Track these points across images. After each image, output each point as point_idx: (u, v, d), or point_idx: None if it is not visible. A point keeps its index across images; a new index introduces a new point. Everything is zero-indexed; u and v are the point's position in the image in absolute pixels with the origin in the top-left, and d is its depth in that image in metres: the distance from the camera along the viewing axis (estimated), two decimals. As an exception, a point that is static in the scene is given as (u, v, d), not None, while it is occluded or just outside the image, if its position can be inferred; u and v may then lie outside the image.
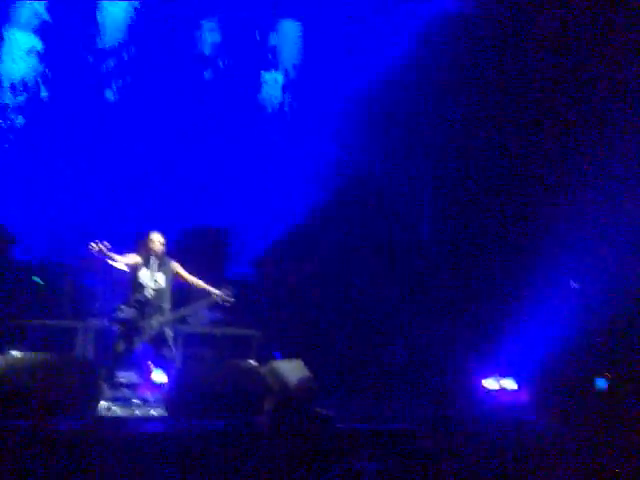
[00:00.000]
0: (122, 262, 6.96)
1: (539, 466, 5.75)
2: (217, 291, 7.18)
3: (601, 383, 6.86)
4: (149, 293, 6.95)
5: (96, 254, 6.59)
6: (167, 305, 7.08)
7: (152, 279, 7.00)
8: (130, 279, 7.10)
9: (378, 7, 10.83)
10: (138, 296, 6.97)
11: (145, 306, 6.93)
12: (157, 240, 7.08)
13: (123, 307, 6.95)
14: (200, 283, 7.22)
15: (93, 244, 6.54)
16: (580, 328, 7.56)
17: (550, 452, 5.99)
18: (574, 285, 7.76)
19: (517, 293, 8.43)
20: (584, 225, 8.18)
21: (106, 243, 6.60)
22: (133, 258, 7.04)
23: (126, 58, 10.47)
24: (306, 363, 6.88)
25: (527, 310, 8.01)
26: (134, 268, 7.04)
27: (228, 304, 7.25)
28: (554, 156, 9.13)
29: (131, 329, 6.88)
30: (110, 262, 6.86)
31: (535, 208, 9.01)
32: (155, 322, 6.95)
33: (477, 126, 10.12)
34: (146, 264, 7.04)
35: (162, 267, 7.09)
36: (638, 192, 8.27)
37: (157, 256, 7.04)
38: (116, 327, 6.96)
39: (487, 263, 9.09)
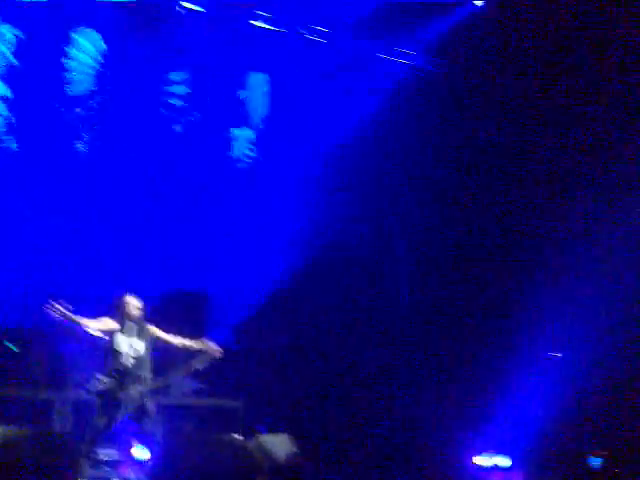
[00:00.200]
0: (93, 327, 6.58)
1: None
2: (203, 345, 6.83)
3: (595, 462, 6.86)
4: (128, 361, 6.56)
5: (57, 316, 6.19)
6: (147, 374, 6.69)
7: (130, 346, 6.61)
8: (106, 347, 6.71)
9: (348, 64, 10.95)
10: (116, 365, 6.57)
11: (124, 375, 6.53)
12: (133, 304, 6.73)
13: (101, 377, 6.54)
14: (184, 341, 6.86)
15: (50, 305, 6.15)
16: (568, 401, 7.59)
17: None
18: (555, 356, 7.84)
19: (503, 365, 8.43)
20: (566, 295, 8.31)
21: (66, 305, 6.22)
22: (106, 323, 6.65)
23: (95, 106, 10.16)
24: (295, 437, 6.61)
25: (516, 384, 8.00)
26: (110, 334, 6.66)
27: (215, 360, 6.88)
28: (530, 224, 9.31)
29: (110, 401, 6.46)
30: (83, 327, 6.48)
31: (514, 278, 9.11)
32: (135, 393, 6.56)
33: (449, 184, 10.25)
34: (122, 330, 6.67)
35: (140, 333, 6.72)
36: (615, 264, 8.49)
37: (134, 321, 6.68)
38: (94, 399, 6.52)
39: (473, 334, 9.07)
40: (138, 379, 6.56)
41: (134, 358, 6.56)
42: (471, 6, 10.73)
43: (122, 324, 6.63)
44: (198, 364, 6.83)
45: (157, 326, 6.93)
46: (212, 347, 6.82)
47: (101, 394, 6.41)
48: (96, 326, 6.57)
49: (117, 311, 6.73)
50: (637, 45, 9.16)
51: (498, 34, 10.56)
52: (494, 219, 9.63)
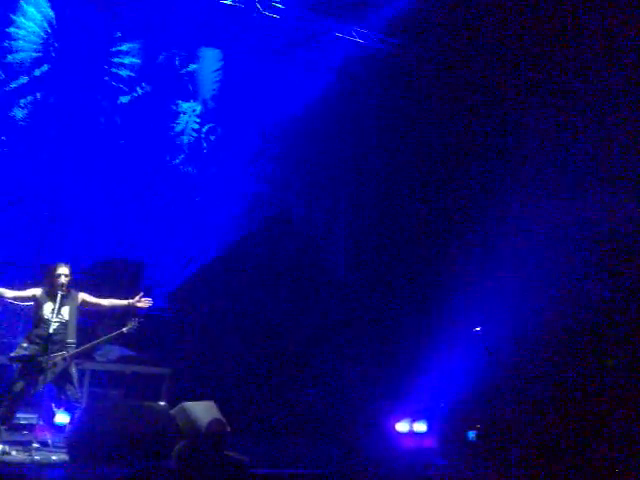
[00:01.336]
0: (12, 295, 6.57)
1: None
2: (131, 303, 6.86)
3: (471, 435, 7.24)
4: (52, 328, 6.55)
5: None
6: (72, 340, 6.70)
7: (56, 313, 6.62)
8: (33, 314, 6.71)
9: (299, 40, 10.93)
10: (40, 331, 6.56)
11: (48, 342, 6.52)
12: (63, 273, 6.73)
13: (24, 343, 6.53)
14: (112, 301, 6.88)
15: None
16: (485, 373, 7.82)
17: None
18: (478, 330, 8.04)
19: (428, 337, 8.62)
20: (489, 272, 8.51)
21: None
22: (29, 292, 6.66)
23: (38, 74, 10.04)
24: (217, 404, 6.69)
25: (437, 354, 8.20)
26: (35, 301, 6.66)
27: (134, 330, 6.90)
28: (465, 199, 9.48)
29: (32, 367, 6.46)
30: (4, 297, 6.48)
31: (444, 252, 9.29)
32: (59, 359, 6.57)
33: (394, 162, 10.36)
34: (50, 297, 6.66)
35: (67, 300, 6.72)
36: (539, 238, 8.70)
37: (62, 289, 6.68)
38: (15, 365, 6.51)
39: (398, 306, 9.25)
40: (62, 345, 6.57)
41: (58, 324, 6.56)
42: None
43: (50, 292, 6.63)
44: (125, 329, 6.83)
45: (90, 292, 6.93)
46: (141, 303, 6.83)
47: (22, 359, 6.41)
48: (17, 295, 6.55)
49: (47, 279, 6.72)
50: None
51: (450, 17, 10.61)
52: (428, 201, 9.78)
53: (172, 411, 6.69)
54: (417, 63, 11.05)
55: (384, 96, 11.20)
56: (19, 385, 6.42)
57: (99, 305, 6.92)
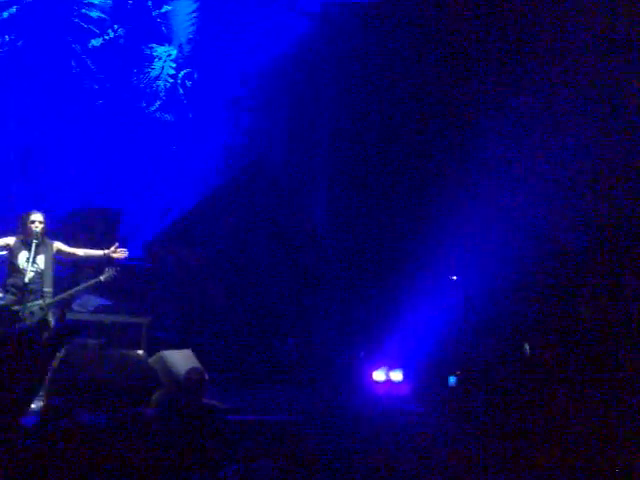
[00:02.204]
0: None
1: (419, 452, 6.04)
2: (106, 251, 6.83)
3: (451, 380, 7.41)
4: (27, 277, 6.50)
5: None
6: (48, 289, 6.65)
7: (31, 262, 6.56)
8: (7, 263, 6.65)
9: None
10: (15, 280, 6.51)
11: (24, 291, 6.48)
12: (36, 220, 6.64)
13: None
14: (88, 251, 6.83)
15: None
16: (460, 321, 7.95)
17: (428, 438, 6.31)
18: (454, 278, 8.13)
19: (404, 286, 8.70)
20: (467, 220, 8.55)
21: None
22: (2, 241, 6.57)
23: (6, 16, 9.69)
24: (196, 352, 6.75)
25: (413, 303, 8.30)
26: (10, 251, 6.59)
27: (111, 279, 6.90)
28: (441, 148, 9.44)
29: (8, 316, 6.43)
30: None
31: (423, 203, 9.30)
32: (35, 308, 6.54)
33: (373, 117, 10.23)
34: (25, 246, 6.59)
35: (42, 248, 6.66)
36: (516, 188, 8.73)
37: (36, 237, 6.60)
38: None
39: (376, 254, 9.29)
40: (39, 294, 6.53)
41: (34, 273, 6.50)
42: None
43: (25, 241, 6.55)
44: (102, 278, 6.80)
45: (66, 242, 6.87)
46: (117, 253, 6.79)
47: None
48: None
49: (21, 228, 6.64)
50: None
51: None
52: (408, 144, 9.72)
53: (150, 360, 6.73)
54: (399, 6, 10.80)
55: (365, 40, 10.97)
56: None
57: (74, 255, 6.86)
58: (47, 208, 7.36)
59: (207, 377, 6.46)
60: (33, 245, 6.53)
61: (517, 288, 8.06)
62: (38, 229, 6.59)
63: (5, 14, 9.66)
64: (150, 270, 9.00)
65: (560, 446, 6.11)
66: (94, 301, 8.02)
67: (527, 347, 7.47)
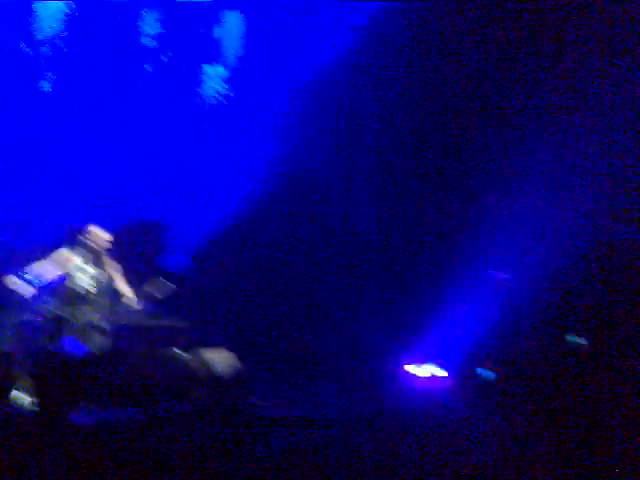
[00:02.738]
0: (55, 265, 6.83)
1: (464, 453, 5.85)
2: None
3: (489, 375, 7.15)
4: (81, 286, 6.84)
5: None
6: (100, 299, 6.99)
7: (83, 271, 6.88)
8: (63, 272, 6.96)
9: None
10: (69, 288, 6.84)
11: (75, 298, 6.81)
12: (96, 234, 6.98)
13: (51, 299, 6.83)
14: (126, 290, 7.09)
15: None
16: (504, 316, 7.72)
17: (475, 438, 6.11)
18: (498, 274, 7.92)
19: (446, 281, 8.54)
20: (510, 215, 8.34)
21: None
22: (62, 255, 6.92)
23: (63, 47, 10.28)
24: (235, 351, 6.85)
25: (456, 297, 8.13)
26: (66, 260, 6.93)
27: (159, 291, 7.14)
28: (483, 148, 9.30)
29: (59, 322, 6.75)
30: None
31: (462, 198, 9.17)
32: (85, 315, 6.86)
33: (415, 120, 10.21)
34: (82, 257, 6.93)
35: (96, 261, 6.98)
36: (561, 184, 8.46)
37: (93, 250, 6.94)
38: (42, 319, 6.83)
39: (416, 252, 9.21)
40: (90, 302, 6.84)
41: (88, 283, 6.81)
42: None
43: (80, 252, 6.87)
44: (149, 288, 7.07)
45: (115, 254, 7.15)
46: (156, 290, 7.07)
47: (50, 315, 6.69)
48: (52, 266, 6.79)
49: (79, 238, 6.96)
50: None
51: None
52: (446, 147, 9.64)
53: (190, 358, 6.88)
54: (451, 17, 10.79)
55: (408, 50, 11.02)
56: (49, 339, 6.73)
57: (113, 280, 7.10)
58: (96, 220, 7.66)
59: (246, 375, 6.56)
60: (91, 257, 6.85)
61: (564, 281, 7.78)
62: (98, 244, 6.91)
63: (63, 45, 10.25)
64: (194, 275, 9.23)
65: (612, 448, 5.80)
66: (137, 305, 8.27)
67: (578, 340, 7.17)
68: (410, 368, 7.43)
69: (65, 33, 10.24)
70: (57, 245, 7.16)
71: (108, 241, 7.08)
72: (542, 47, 9.36)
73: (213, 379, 6.68)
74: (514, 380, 6.99)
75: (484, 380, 7.17)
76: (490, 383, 7.14)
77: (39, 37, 10.11)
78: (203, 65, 10.99)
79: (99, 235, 6.97)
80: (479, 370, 7.20)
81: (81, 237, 6.93)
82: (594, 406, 6.42)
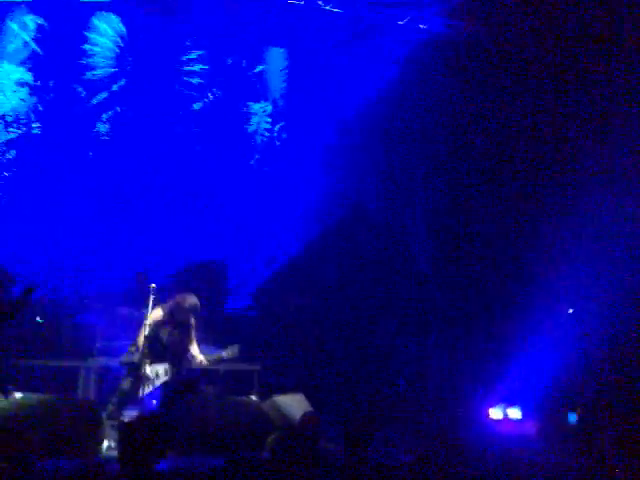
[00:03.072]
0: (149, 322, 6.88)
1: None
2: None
3: (572, 417, 6.99)
4: (163, 345, 6.89)
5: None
6: (177, 357, 7.02)
7: (170, 333, 6.95)
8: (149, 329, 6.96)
9: (362, 32, 10.92)
10: (151, 342, 6.86)
11: (155, 352, 6.85)
12: (187, 301, 7.03)
13: (133, 349, 6.88)
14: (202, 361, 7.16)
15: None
16: (579, 356, 7.60)
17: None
18: (570, 311, 7.82)
19: (517, 321, 8.45)
20: (581, 253, 8.25)
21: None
22: (158, 313, 6.97)
23: (116, 89, 10.42)
24: (308, 396, 6.82)
25: (529, 338, 8.03)
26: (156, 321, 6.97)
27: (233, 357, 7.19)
28: (549, 183, 9.24)
29: (139, 371, 6.76)
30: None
31: (531, 237, 9.08)
32: (165, 371, 6.90)
33: (472, 151, 10.20)
34: (170, 322, 6.99)
35: (181, 322, 7.02)
36: (631, 223, 8.37)
37: (180, 314, 6.99)
38: (125, 367, 6.88)
39: (485, 291, 9.11)
40: (170, 359, 6.89)
41: (170, 342, 6.86)
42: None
43: (169, 316, 6.93)
44: (225, 354, 7.09)
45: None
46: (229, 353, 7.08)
47: (132, 364, 6.73)
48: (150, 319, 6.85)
49: (169, 300, 7.01)
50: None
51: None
52: (510, 183, 9.59)
53: (263, 405, 6.86)
54: (485, 45, 10.85)
55: (456, 81, 11.06)
56: (127, 385, 6.76)
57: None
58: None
59: (321, 421, 6.51)
60: (176, 319, 6.89)
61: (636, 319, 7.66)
62: (188, 310, 6.93)
63: (115, 87, 10.40)
64: (259, 318, 9.21)
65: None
66: (208, 351, 8.28)
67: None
68: (491, 412, 7.34)
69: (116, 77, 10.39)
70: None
71: (193, 304, 7.07)
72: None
73: (288, 425, 6.64)
74: (598, 421, 6.87)
75: (567, 422, 7.05)
76: (573, 425, 7.02)
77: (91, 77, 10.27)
78: (249, 102, 11.09)
79: (192, 303, 7.00)
80: (561, 412, 7.09)
81: (175, 301, 6.97)
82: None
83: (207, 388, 7.74)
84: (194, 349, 7.13)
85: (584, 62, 9.83)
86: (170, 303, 7.03)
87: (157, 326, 6.93)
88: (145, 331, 6.69)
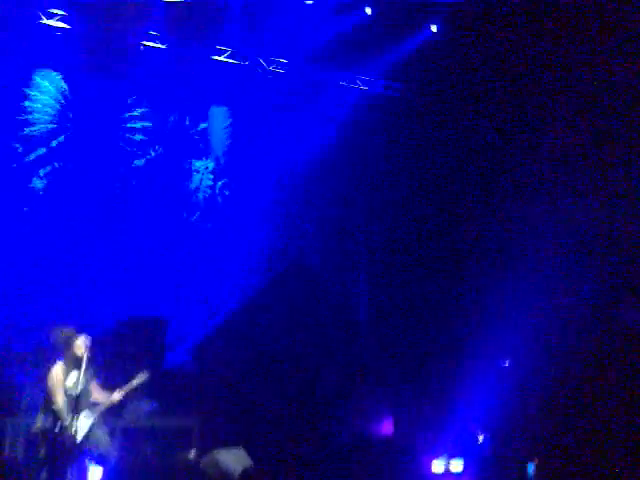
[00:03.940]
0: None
1: None
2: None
3: (530, 468, 6.97)
4: (73, 393, 6.65)
5: None
6: (89, 403, 6.80)
7: (78, 380, 6.73)
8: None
9: (304, 92, 11.22)
10: (65, 397, 6.64)
11: (69, 407, 6.61)
12: (81, 343, 6.85)
13: (43, 410, 6.62)
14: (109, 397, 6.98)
15: None
16: (514, 409, 7.66)
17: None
18: (505, 363, 7.92)
19: (455, 373, 8.51)
20: (517, 304, 8.42)
21: None
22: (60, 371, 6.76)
23: (55, 145, 10.32)
24: (248, 450, 6.67)
25: (467, 390, 8.07)
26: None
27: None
28: (484, 230, 9.51)
29: (56, 433, 6.48)
30: None
31: (467, 289, 9.26)
32: (83, 422, 6.64)
33: (409, 205, 10.45)
34: (72, 368, 6.79)
35: (85, 367, 6.82)
36: (565, 269, 8.62)
37: (80, 357, 6.79)
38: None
39: (424, 341, 9.19)
40: (83, 408, 6.66)
41: (78, 390, 6.64)
42: (427, 32, 11.01)
43: (69, 362, 6.74)
44: (135, 382, 6.91)
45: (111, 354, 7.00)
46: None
47: (45, 428, 6.48)
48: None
49: (65, 346, 6.81)
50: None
51: (453, 57, 10.85)
52: (446, 235, 9.83)
53: (203, 461, 6.67)
54: (423, 105, 11.31)
55: (392, 139, 11.44)
56: (45, 452, 6.46)
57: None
58: (94, 320, 7.53)
59: (261, 475, 6.36)
60: (80, 365, 6.69)
61: (571, 368, 7.79)
62: (84, 352, 6.76)
63: (54, 143, 10.30)
64: (198, 373, 9.03)
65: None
66: (145, 406, 8.05)
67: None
68: (433, 464, 7.27)
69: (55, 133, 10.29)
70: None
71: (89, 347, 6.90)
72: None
73: (228, 481, 6.47)
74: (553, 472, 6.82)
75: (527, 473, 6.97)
76: (532, 477, 6.93)
77: (33, 132, 10.15)
78: (191, 159, 11.13)
79: (87, 345, 6.81)
80: (506, 463, 7.06)
81: (71, 346, 6.77)
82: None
83: (145, 445, 7.49)
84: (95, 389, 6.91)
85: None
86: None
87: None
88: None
